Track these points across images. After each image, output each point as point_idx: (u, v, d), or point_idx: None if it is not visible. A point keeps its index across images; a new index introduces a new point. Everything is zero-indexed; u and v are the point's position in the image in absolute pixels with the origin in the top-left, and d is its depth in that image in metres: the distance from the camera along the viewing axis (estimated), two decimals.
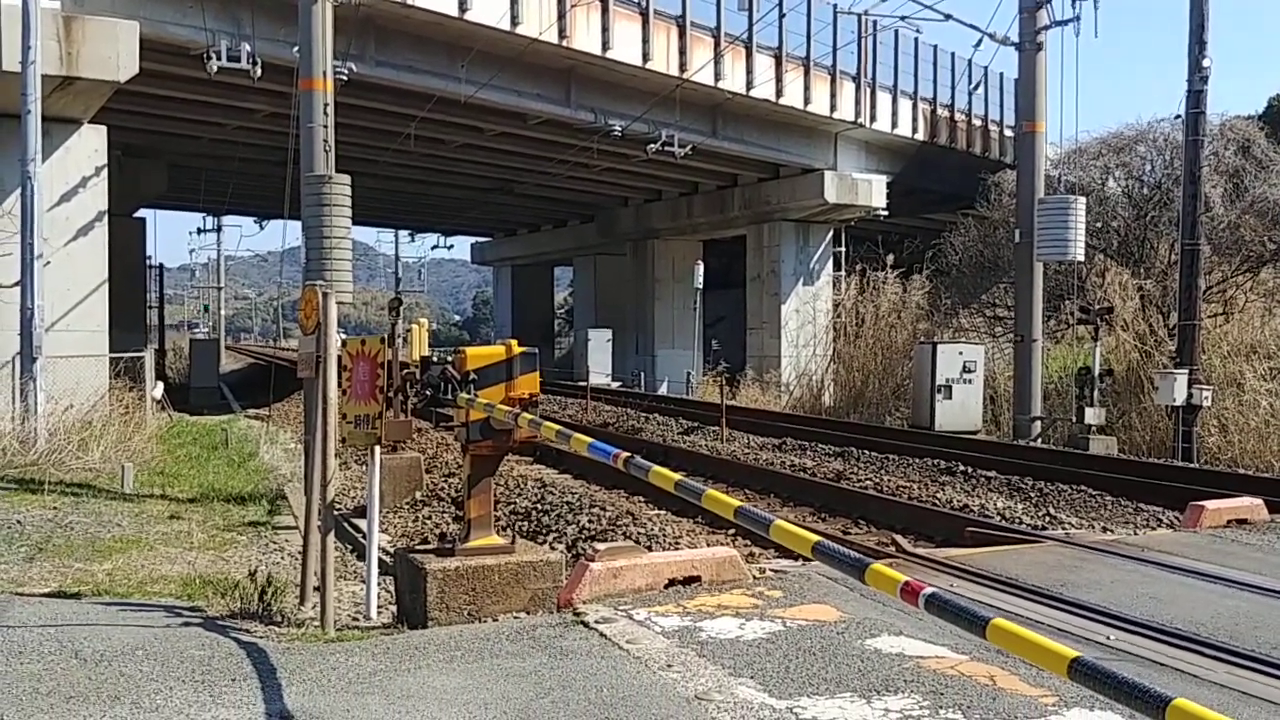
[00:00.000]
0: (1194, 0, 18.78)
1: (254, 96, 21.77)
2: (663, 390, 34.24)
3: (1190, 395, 18.02)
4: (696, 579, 6.64)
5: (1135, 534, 9.73)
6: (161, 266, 46.46)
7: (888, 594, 2.68)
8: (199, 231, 57.51)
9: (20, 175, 15.48)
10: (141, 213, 34.67)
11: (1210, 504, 9.69)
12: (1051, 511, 11.69)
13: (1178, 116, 21.19)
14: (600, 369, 34.02)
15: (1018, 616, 5.98)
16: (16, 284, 15.63)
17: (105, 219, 18.50)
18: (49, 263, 16.24)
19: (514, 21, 21.85)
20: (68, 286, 17.57)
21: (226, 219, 56.62)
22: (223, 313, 69.40)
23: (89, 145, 18.31)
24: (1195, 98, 18.93)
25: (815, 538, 3.01)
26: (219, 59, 18.22)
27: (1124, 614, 6.15)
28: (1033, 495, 13.13)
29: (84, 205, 18.15)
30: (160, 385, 20.52)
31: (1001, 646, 2.38)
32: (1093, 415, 18.47)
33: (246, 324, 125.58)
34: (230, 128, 26.16)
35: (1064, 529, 10.38)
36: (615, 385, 33.56)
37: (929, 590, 2.54)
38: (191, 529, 10.25)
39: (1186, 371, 18.19)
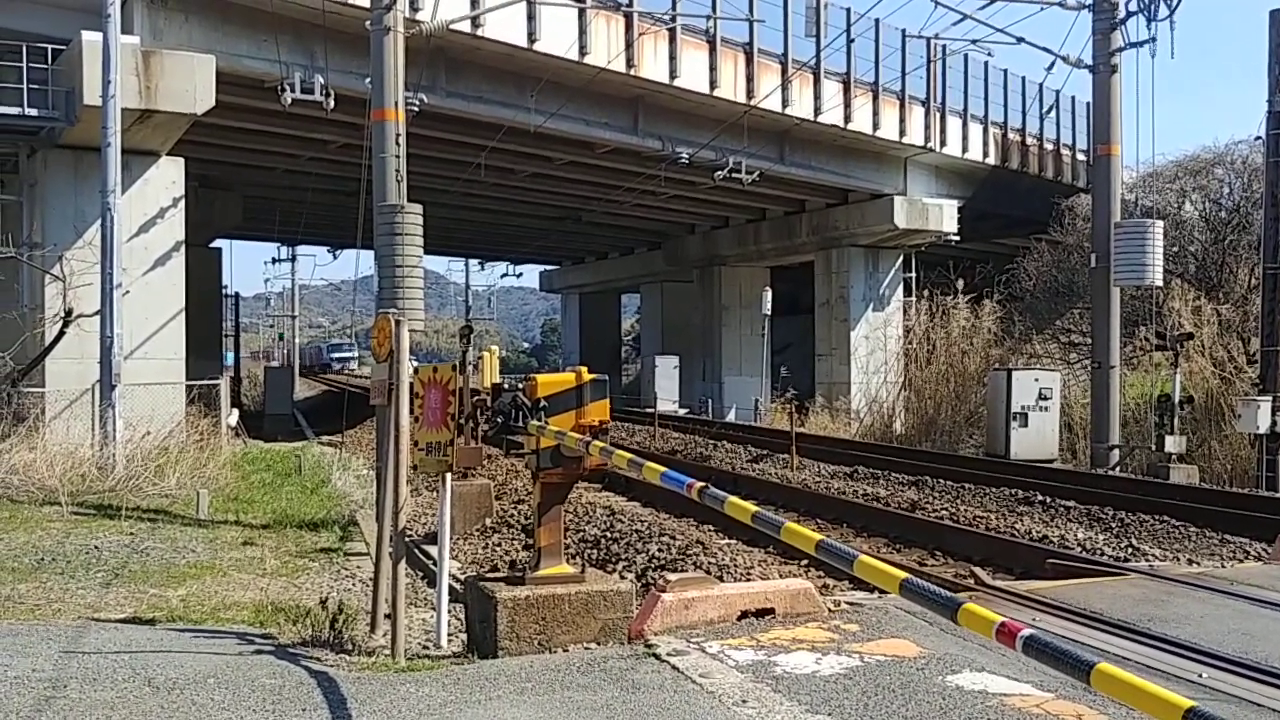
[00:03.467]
0: (1273, 17, 18.39)
1: (327, 128, 22.09)
2: (730, 417, 34.03)
3: (1274, 423, 17.52)
4: (770, 611, 6.51)
5: (1223, 566, 9.42)
6: (237, 295, 47.38)
7: (981, 635, 2.56)
8: (273, 261, 58.67)
9: (100, 206, 15.82)
10: (217, 243, 35.38)
11: None
12: (1134, 543, 11.37)
13: (1257, 138, 20.75)
14: (667, 396, 33.89)
15: (1105, 653, 5.78)
16: (96, 313, 15.95)
17: (182, 249, 18.87)
18: (128, 292, 16.57)
19: (582, 51, 21.98)
20: (146, 315, 17.92)
21: (300, 249, 57.75)
22: (297, 341, 70.39)
23: (167, 177, 18.70)
24: (1275, 118, 18.52)
25: (903, 575, 2.90)
26: (293, 91, 18.51)
27: (1216, 650, 5.91)
28: (1114, 526, 12.79)
29: (162, 235, 18.53)
30: (235, 412, 20.83)
31: (1108, 693, 2.26)
32: (1173, 443, 18.02)
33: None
34: (304, 159, 26.58)
35: (1148, 561, 10.08)
36: (683, 412, 33.45)
37: (1027, 632, 2.42)
38: (264, 555, 10.31)
39: (1270, 398, 17.70)
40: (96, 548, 10.09)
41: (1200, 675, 5.52)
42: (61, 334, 16.58)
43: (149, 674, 5.50)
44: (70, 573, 8.96)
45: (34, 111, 16.75)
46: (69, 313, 16.53)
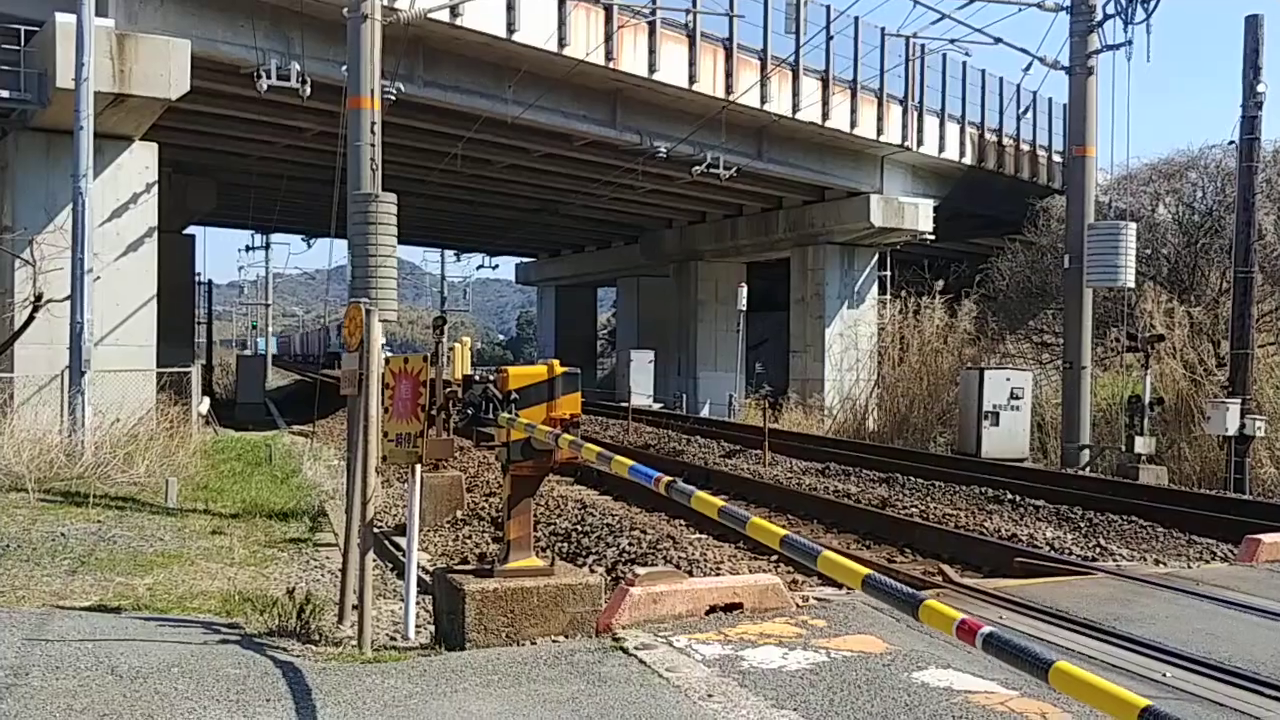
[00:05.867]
0: (1248, 24, 18.53)
1: (303, 115, 21.95)
2: (705, 412, 34.09)
3: (1243, 425, 17.68)
4: (738, 606, 6.53)
5: (1189, 567, 9.51)
6: (210, 283, 47.13)
7: (943, 631, 2.57)
8: (248, 249, 58.24)
9: (72, 191, 15.65)
10: (191, 229, 35.07)
11: (1266, 537, 9.43)
12: (1102, 542, 11.45)
13: (1231, 142, 20.94)
14: (642, 390, 33.87)
15: (1070, 652, 5.82)
16: (67, 298, 15.80)
17: (155, 235, 18.69)
18: (99, 278, 16.40)
19: (561, 43, 21.91)
20: (117, 301, 17.75)
21: (275, 237, 57.38)
22: (270, 329, 70.00)
23: (140, 162, 18.51)
24: (1249, 123, 18.67)
25: (865, 570, 2.91)
26: (269, 77, 18.37)
27: (1180, 650, 5.96)
28: (1082, 525, 12.87)
29: (134, 221, 18.35)
30: (206, 400, 20.69)
31: (1065, 692, 2.27)
32: (1143, 444, 18.14)
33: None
34: (279, 146, 26.39)
35: (1115, 560, 10.16)
36: (657, 407, 33.42)
37: (987, 629, 2.42)
38: (233, 544, 10.25)
39: (1239, 401, 17.85)
40: (63, 535, 10.00)
41: (1165, 675, 5.57)
42: (31, 319, 16.40)
43: (113, 662, 5.46)
44: (35, 560, 8.88)
45: (5, 93, 16.53)
46: (39, 297, 16.35)
